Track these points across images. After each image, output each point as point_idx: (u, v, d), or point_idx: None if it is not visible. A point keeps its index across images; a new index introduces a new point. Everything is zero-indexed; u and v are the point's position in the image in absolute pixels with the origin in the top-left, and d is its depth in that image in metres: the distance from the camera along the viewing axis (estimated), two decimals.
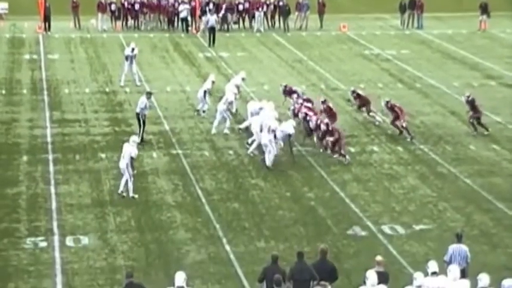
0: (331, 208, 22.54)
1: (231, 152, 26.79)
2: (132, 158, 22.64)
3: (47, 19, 44.60)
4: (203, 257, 19.54)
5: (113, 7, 45.55)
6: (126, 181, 22.78)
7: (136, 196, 22.75)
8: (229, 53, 40.92)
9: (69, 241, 20.21)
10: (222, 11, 45.23)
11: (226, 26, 45.48)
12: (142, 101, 27.36)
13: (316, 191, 23.71)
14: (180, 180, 24.31)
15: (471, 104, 28.84)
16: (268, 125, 25.51)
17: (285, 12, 46.33)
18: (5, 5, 48.62)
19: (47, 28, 44.60)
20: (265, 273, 16.17)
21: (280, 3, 46.47)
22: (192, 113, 30.86)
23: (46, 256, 19.44)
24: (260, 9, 46.11)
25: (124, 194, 22.77)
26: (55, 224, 21.17)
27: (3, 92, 33.30)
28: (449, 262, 16.97)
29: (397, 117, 28.36)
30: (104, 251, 19.77)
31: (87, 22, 45.99)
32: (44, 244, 20.02)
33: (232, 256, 19.58)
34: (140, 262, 19.22)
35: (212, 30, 42.47)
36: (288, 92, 30.39)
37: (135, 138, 23.37)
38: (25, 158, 25.91)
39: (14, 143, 27.33)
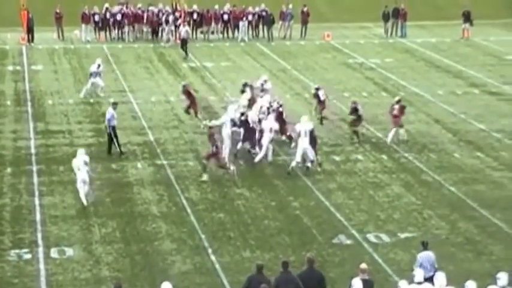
0: (316, 217, 22.55)
1: None
2: (86, 163, 23.03)
3: (30, 30, 44.51)
4: (189, 268, 19.50)
5: (97, 18, 45.52)
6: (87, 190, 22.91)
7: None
8: (213, 62, 40.95)
9: (53, 253, 20.13)
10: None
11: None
12: (109, 111, 27.09)
13: (301, 200, 23.72)
14: (165, 191, 24.28)
15: (354, 110, 28.66)
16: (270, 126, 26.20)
17: (269, 22, 46.44)
18: None
19: (31, 39, 44.50)
20: (250, 282, 16.11)
21: (264, 13, 46.57)
22: (176, 123, 30.84)
23: (30, 268, 19.35)
24: (244, 18, 46.19)
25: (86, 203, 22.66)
26: (39, 235, 21.08)
27: None
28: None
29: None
30: (88, 262, 19.69)
31: (71, 33, 45.93)
32: (28, 256, 19.93)
33: (217, 266, 19.55)
34: (125, 273, 19.15)
35: (184, 41, 42.18)
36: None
37: (82, 151, 23.51)
38: (9, 169, 25.81)
39: None
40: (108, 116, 27.02)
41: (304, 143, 25.43)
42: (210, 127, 25.77)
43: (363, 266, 16.27)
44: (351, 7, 53.16)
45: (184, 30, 42.83)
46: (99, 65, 34.12)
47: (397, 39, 47.17)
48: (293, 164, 25.58)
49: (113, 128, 27.00)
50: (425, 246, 17.57)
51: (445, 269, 17.06)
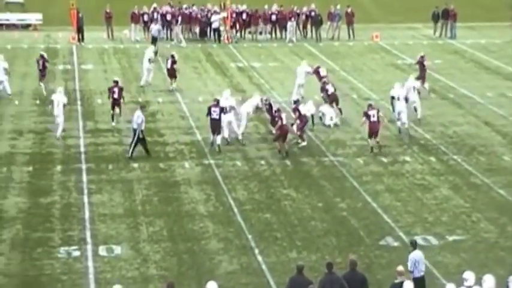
0: (363, 219, 22.47)
1: (262, 162, 26.81)
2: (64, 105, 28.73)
3: (80, 29, 44.98)
4: (235, 268, 19.55)
5: (146, 17, 45.82)
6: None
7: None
8: (261, 63, 40.99)
9: (102, 250, 20.32)
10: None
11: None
12: (138, 115, 26.70)
13: (348, 201, 23.65)
14: (212, 190, 24.37)
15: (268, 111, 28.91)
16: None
17: (317, 22, 46.33)
18: (39, 16, 49.12)
19: (81, 39, 44.96)
20: (291, 283, 16.11)
21: (312, 13, 46.49)
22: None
23: (79, 265, 19.56)
24: (292, 19, 46.17)
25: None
26: (88, 233, 21.30)
27: (38, 102, 33.60)
28: (413, 271, 17.15)
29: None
30: (136, 260, 19.85)
31: (120, 32, 46.31)
32: (77, 253, 20.15)
33: (264, 266, 19.58)
34: (172, 272, 19.27)
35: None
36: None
37: (61, 89, 29.77)
38: (59, 167, 26.11)
39: (48, 152, 27.56)
40: (138, 120, 26.58)
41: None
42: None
43: (400, 268, 16.20)
44: (400, 8, 52.83)
45: (156, 29, 43.16)
46: (156, 53, 35.87)
47: (446, 41, 46.77)
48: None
49: (141, 131, 26.71)
50: (414, 245, 17.55)
51: (495, 273, 16.85)
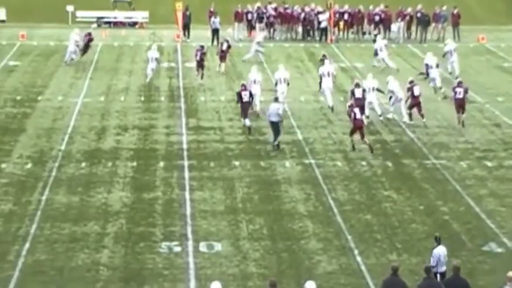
0: (466, 223, 22.09)
1: (363, 163, 26.65)
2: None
3: (186, 27, 45.59)
4: (334, 268, 19.49)
5: (249, 16, 46.10)
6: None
7: None
8: (363, 63, 40.74)
9: (202, 247, 20.54)
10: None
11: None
12: (278, 107, 27.64)
13: (450, 205, 23.30)
14: (312, 190, 24.35)
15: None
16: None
17: (424, 23, 45.76)
18: (146, 13, 50.04)
19: (187, 36, 45.54)
20: (385, 284, 15.95)
21: (418, 14, 45.95)
22: (325, 122, 30.91)
23: (180, 261, 19.81)
24: (399, 19, 45.74)
25: None
26: (189, 229, 21.56)
27: (142, 99, 34.22)
28: (435, 265, 17.22)
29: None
30: (236, 258, 19.99)
31: (224, 31, 46.70)
32: (178, 249, 20.42)
33: (363, 268, 19.46)
34: (272, 270, 19.33)
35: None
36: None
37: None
38: (161, 163, 26.51)
39: (152, 148, 28.03)
40: (280, 111, 27.62)
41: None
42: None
43: (510, 274, 15.84)
44: (508, 9, 51.70)
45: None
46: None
47: None
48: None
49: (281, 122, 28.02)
50: (438, 241, 17.55)
51: None
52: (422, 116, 30.20)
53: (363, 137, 27.14)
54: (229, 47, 37.86)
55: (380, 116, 30.65)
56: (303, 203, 23.37)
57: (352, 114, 27.04)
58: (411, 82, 31.00)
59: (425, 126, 29.97)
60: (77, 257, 19.80)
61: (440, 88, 33.78)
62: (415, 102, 30.29)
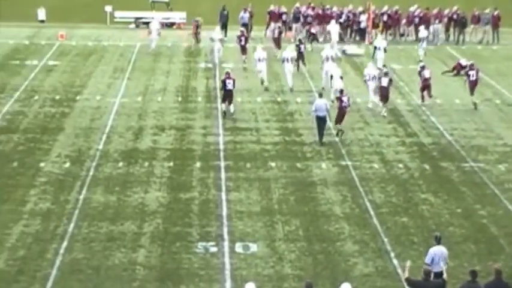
0: (504, 227, 21.90)
1: (400, 165, 26.52)
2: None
3: (224, 26, 45.66)
4: (370, 270, 19.42)
5: (284, 17, 46.03)
6: None
7: None
8: (401, 65, 40.55)
9: (238, 247, 20.57)
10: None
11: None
12: (325, 102, 28.56)
13: (488, 208, 23.11)
14: (349, 192, 24.28)
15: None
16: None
17: (460, 24, 45.44)
18: (183, 14, 50.21)
19: (224, 34, 45.59)
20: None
21: (455, 16, 45.62)
22: (362, 124, 30.81)
23: (216, 261, 19.86)
24: (437, 21, 45.46)
25: None
26: (225, 230, 21.60)
27: (180, 99, 34.34)
28: (431, 264, 17.08)
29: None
30: (272, 259, 19.99)
31: (261, 32, 46.69)
32: (214, 249, 20.47)
33: (399, 271, 19.34)
34: (308, 272, 19.31)
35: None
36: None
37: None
38: (198, 164, 26.59)
39: (188, 149, 28.12)
40: (328, 106, 28.46)
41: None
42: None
43: None
44: None
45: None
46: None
47: None
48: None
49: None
50: (438, 240, 17.39)
51: None
52: (430, 96, 32.74)
53: (341, 122, 28.88)
54: (246, 40, 39.72)
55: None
56: (339, 205, 23.31)
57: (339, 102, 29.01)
58: (422, 67, 33.28)
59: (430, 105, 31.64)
60: (114, 256, 19.93)
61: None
62: (425, 85, 32.78)
